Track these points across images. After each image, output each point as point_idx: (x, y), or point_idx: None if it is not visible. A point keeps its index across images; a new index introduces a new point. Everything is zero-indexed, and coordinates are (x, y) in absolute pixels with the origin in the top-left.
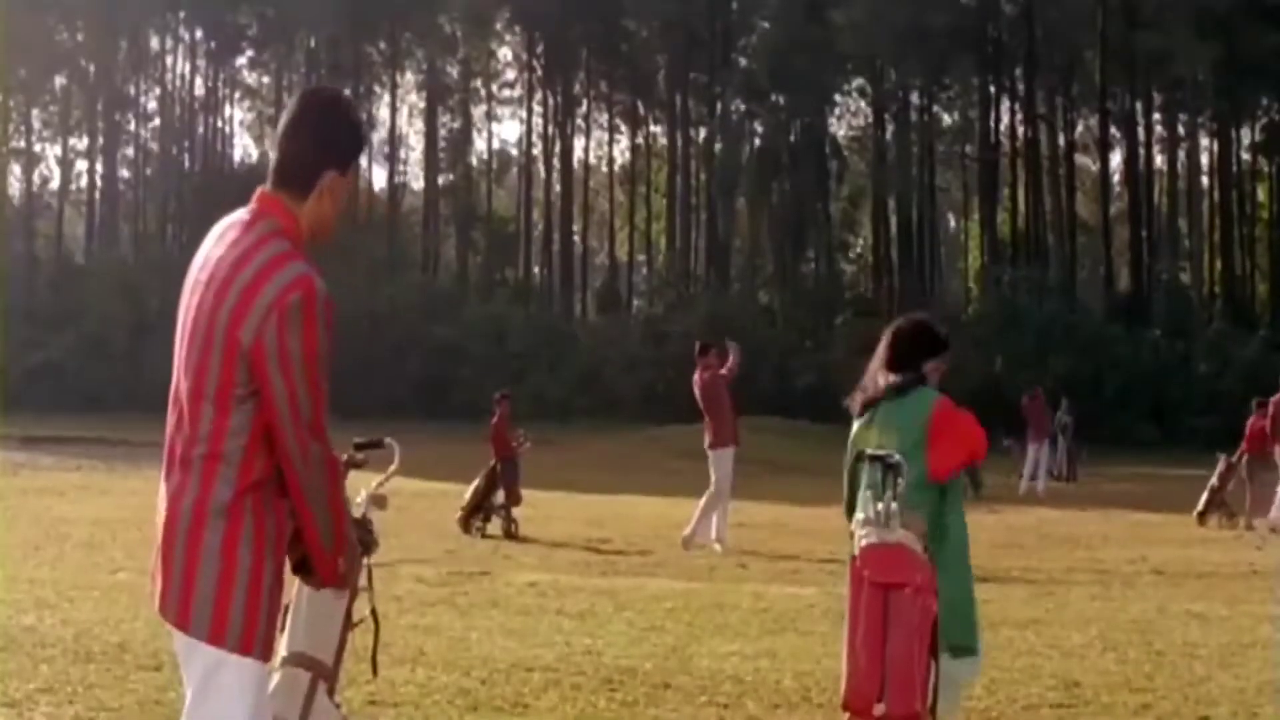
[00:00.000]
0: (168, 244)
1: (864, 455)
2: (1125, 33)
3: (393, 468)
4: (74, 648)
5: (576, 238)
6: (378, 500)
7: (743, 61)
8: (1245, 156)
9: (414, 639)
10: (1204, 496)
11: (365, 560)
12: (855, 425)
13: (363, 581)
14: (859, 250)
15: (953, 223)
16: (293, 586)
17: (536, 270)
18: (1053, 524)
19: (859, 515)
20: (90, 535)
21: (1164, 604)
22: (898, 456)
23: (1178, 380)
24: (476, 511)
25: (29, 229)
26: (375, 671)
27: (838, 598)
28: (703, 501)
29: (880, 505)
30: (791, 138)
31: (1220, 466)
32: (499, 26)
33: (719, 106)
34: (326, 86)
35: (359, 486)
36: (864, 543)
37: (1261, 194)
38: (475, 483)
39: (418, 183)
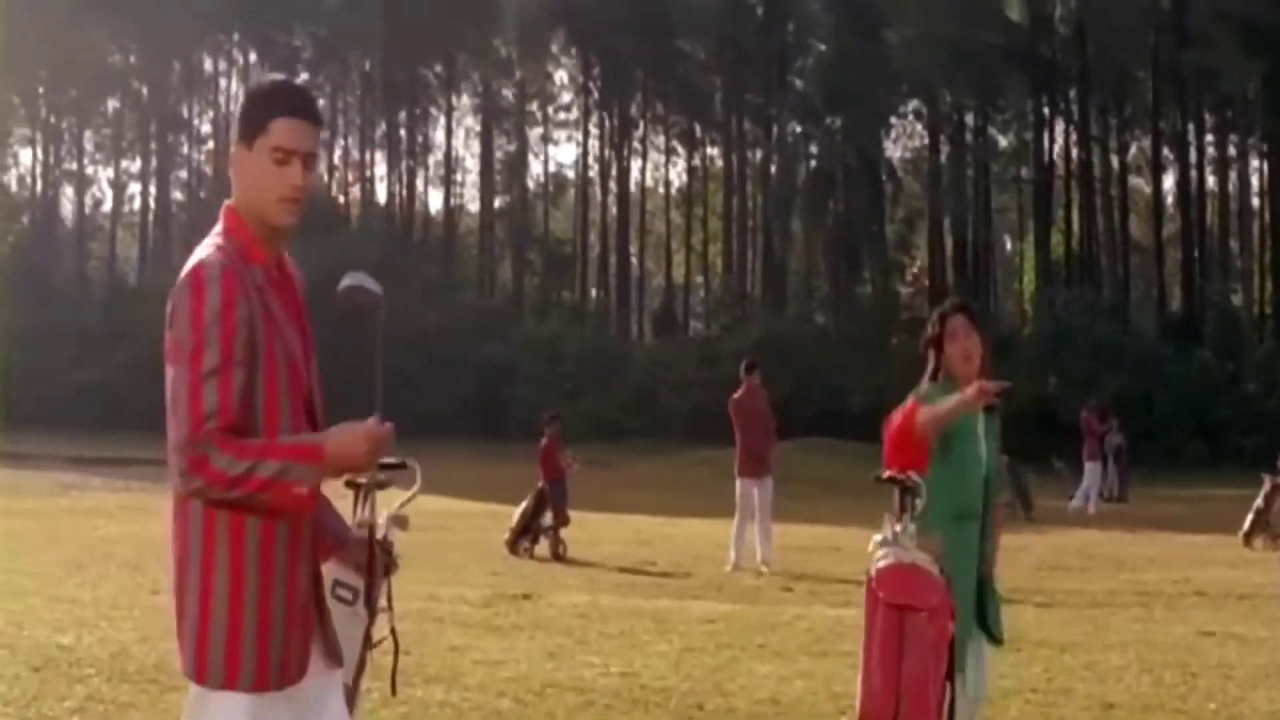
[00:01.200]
0: None
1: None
2: (1176, 51)
3: (414, 489)
4: (110, 667)
5: (633, 259)
6: (399, 521)
7: (798, 82)
8: None
9: (450, 660)
10: (1249, 518)
11: (386, 580)
12: None
13: (383, 602)
14: (915, 272)
15: (1009, 244)
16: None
17: (593, 292)
18: (1099, 545)
19: (876, 536)
20: (135, 555)
21: (1204, 626)
22: (916, 478)
23: (1227, 399)
24: (524, 533)
25: (82, 250)
26: (394, 691)
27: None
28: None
29: (898, 526)
30: (846, 159)
31: (1265, 487)
32: (555, 49)
33: (774, 128)
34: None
35: (381, 508)
36: (880, 564)
37: None
38: (523, 504)
39: (474, 204)
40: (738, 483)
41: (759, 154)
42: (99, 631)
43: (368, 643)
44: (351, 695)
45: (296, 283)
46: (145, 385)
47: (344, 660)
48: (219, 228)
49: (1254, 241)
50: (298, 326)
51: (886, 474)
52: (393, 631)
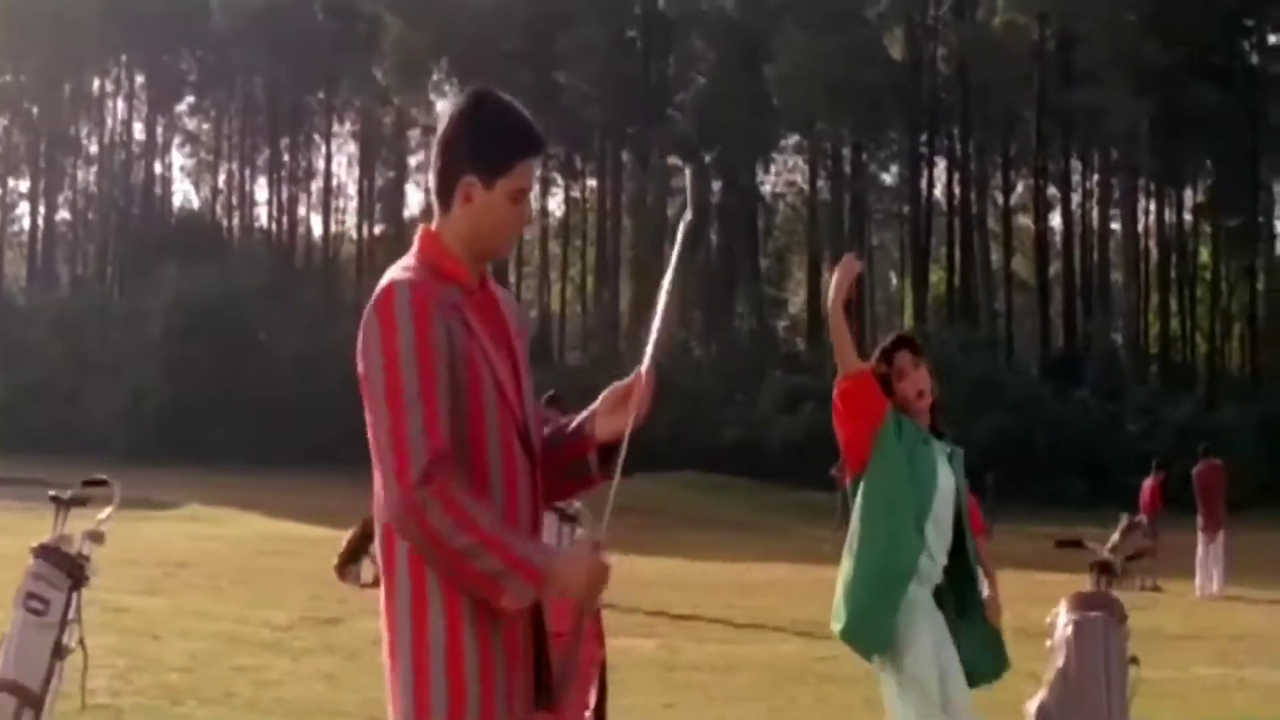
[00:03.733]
0: (106, 286)
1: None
2: (1062, 91)
3: (111, 508)
4: None
5: (511, 289)
6: (95, 536)
7: (677, 115)
8: (1187, 218)
9: (229, 679)
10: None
11: (75, 593)
12: None
13: (71, 613)
14: (797, 308)
15: (894, 281)
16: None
17: None
18: None
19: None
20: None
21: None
22: (577, 505)
23: (1109, 440)
24: (352, 559)
25: None
26: (84, 703)
27: (670, 650)
28: None
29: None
30: (723, 192)
31: (1122, 525)
32: (437, 78)
33: (651, 158)
34: (482, 87)
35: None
36: None
37: (1205, 255)
38: (351, 530)
39: (360, 229)
40: None
41: (637, 187)
42: None
43: (57, 652)
44: (39, 703)
45: (502, 303)
46: (33, 406)
47: (29, 668)
48: (411, 251)
49: (1142, 281)
50: (506, 349)
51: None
52: (81, 642)
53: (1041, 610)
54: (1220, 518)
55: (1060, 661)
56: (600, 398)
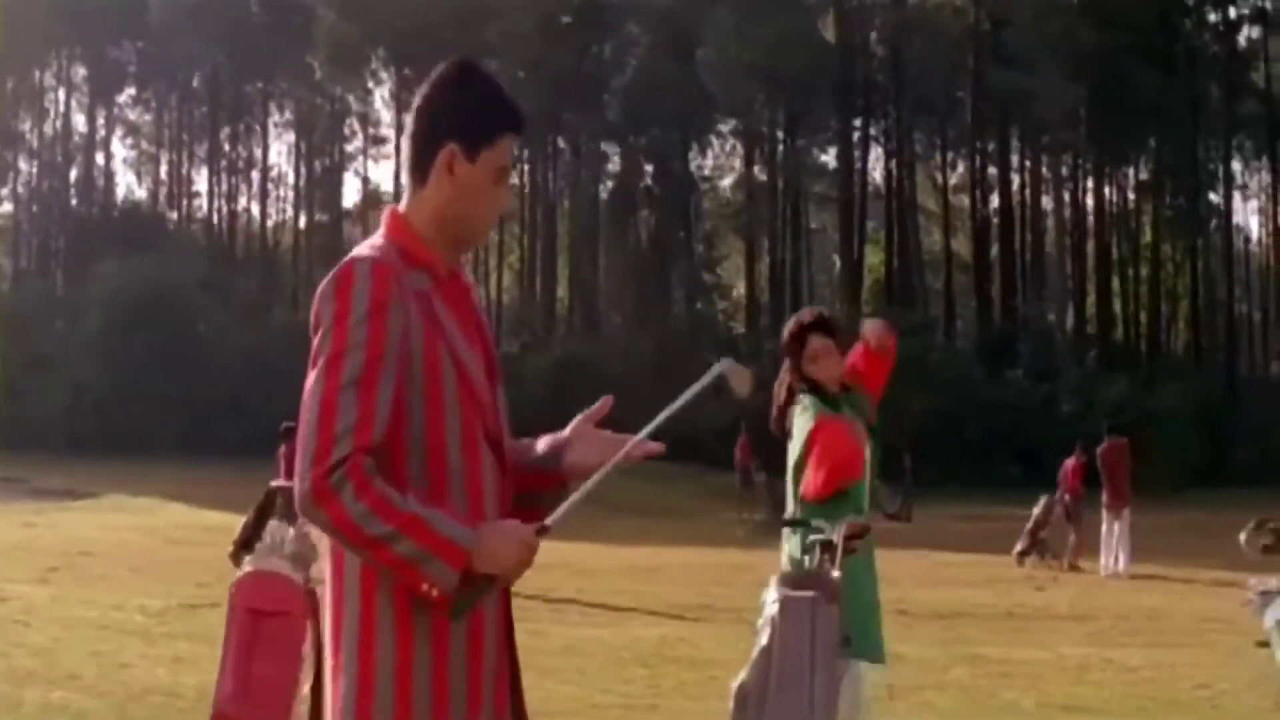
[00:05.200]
0: (49, 279)
1: None
2: (996, 74)
3: None
4: None
5: None
6: None
7: (610, 100)
8: (1130, 198)
9: (83, 663)
10: (1023, 538)
11: None
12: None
13: None
14: (739, 292)
15: (838, 264)
16: None
17: None
18: None
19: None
20: None
21: None
22: None
23: (1042, 421)
24: (246, 546)
25: None
26: None
27: (532, 635)
28: None
29: (268, 538)
30: (655, 177)
31: (1039, 507)
32: (375, 67)
33: (582, 144)
34: (466, 57)
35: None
36: (241, 571)
37: (1146, 236)
38: (246, 516)
39: (296, 220)
40: None
41: (570, 173)
42: None
43: None
44: None
45: (473, 294)
46: None
47: None
48: (379, 231)
49: (1085, 262)
50: (478, 344)
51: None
52: None
53: (947, 592)
54: (1126, 496)
55: (764, 640)
56: (570, 429)
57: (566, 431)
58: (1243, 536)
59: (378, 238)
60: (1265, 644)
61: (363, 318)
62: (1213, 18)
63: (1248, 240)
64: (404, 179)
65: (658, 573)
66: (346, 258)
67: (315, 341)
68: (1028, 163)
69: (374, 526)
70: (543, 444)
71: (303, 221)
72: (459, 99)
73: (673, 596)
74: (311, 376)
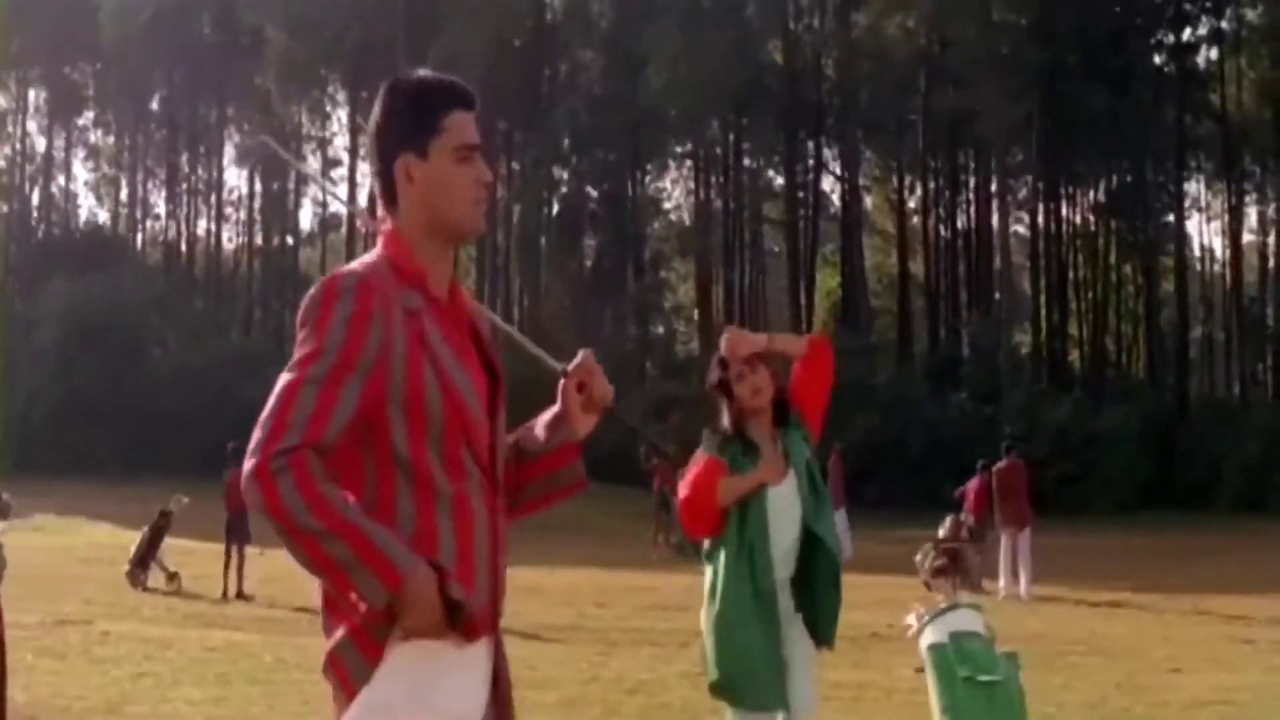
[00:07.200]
0: (7, 298)
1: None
2: (942, 95)
3: None
4: None
5: None
6: None
7: (560, 119)
8: (1082, 219)
9: None
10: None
11: None
12: None
13: None
14: (695, 315)
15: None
16: None
17: None
18: None
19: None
20: None
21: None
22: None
23: (984, 443)
24: (141, 564)
25: None
26: None
27: (270, 646)
28: None
29: None
30: (604, 198)
31: (944, 529)
32: (331, 90)
33: (527, 164)
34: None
35: None
36: None
37: (1097, 257)
38: (141, 534)
39: (249, 242)
40: None
41: (518, 193)
42: None
43: None
44: None
45: (473, 316)
46: None
47: None
48: (374, 249)
49: (1029, 283)
50: (478, 365)
51: None
52: None
53: (888, 614)
54: (1026, 517)
55: None
56: (558, 404)
57: (558, 404)
58: (918, 558)
59: (372, 255)
60: (922, 670)
61: (341, 325)
62: (1169, 39)
63: (1214, 262)
64: (380, 211)
65: (536, 593)
66: (334, 271)
67: (295, 346)
68: (976, 183)
69: (307, 520)
70: (543, 423)
71: (259, 242)
72: (392, 112)
73: (543, 617)
74: (283, 372)
